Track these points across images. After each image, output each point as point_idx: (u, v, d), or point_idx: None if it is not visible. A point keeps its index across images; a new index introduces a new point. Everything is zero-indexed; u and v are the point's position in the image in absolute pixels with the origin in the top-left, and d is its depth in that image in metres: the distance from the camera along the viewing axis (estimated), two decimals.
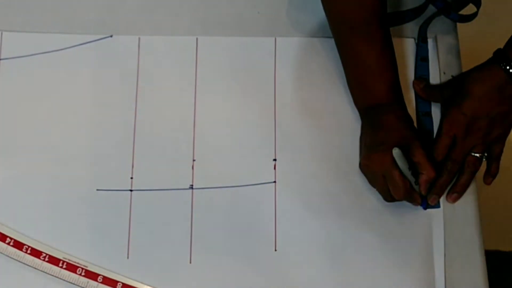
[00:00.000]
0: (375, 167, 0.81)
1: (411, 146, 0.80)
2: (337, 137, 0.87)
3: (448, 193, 0.85)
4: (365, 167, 0.83)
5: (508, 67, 0.79)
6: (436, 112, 0.88)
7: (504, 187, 1.54)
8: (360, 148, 0.86)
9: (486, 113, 0.81)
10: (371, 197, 0.84)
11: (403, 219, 0.84)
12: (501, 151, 0.84)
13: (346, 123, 0.88)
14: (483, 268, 0.83)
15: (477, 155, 0.83)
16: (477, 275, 0.82)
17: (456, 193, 0.84)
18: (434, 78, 0.90)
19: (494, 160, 0.85)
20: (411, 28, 0.92)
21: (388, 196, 0.82)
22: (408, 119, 0.84)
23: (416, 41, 0.91)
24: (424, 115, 0.88)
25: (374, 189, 0.84)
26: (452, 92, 0.84)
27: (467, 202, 0.85)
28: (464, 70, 0.90)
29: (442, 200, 0.84)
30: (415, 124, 0.86)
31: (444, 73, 0.90)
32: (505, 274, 1.38)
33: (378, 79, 0.84)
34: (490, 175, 0.86)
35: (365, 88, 0.85)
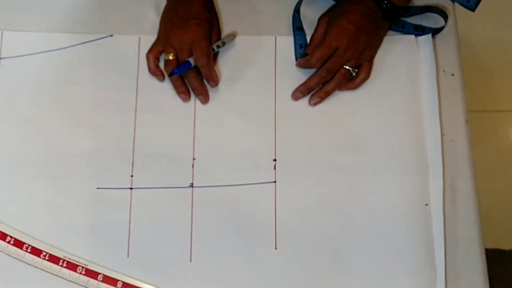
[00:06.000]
0: (189, 36, 0.85)
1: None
2: (338, 137, 0.87)
3: (311, 97, 0.89)
4: (177, 37, 0.86)
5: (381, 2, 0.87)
6: None
7: (504, 186, 1.55)
8: (167, 21, 0.89)
9: (366, 30, 0.87)
10: (371, 197, 0.85)
11: (404, 218, 0.84)
12: (370, 70, 0.89)
13: (347, 122, 0.88)
14: (483, 266, 0.83)
15: (350, 68, 0.87)
16: (477, 273, 0.82)
17: (319, 98, 0.88)
18: (434, 76, 0.90)
19: (361, 75, 0.89)
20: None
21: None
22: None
23: (292, 13, 0.92)
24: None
25: (374, 189, 0.84)
26: (332, 15, 0.88)
27: (468, 201, 0.85)
28: (464, 69, 0.90)
29: (440, 201, 0.84)
30: None
31: (444, 71, 0.90)
32: (505, 272, 1.39)
33: None
34: (353, 86, 0.89)
35: None
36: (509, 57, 1.57)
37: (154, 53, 0.89)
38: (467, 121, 0.89)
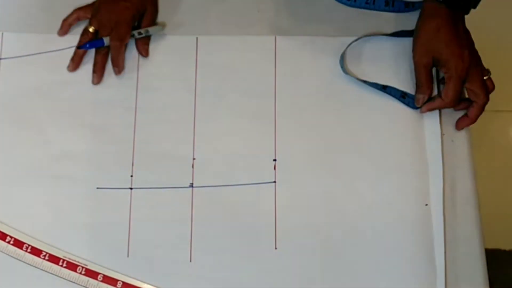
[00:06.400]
0: (114, 17, 0.88)
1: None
2: (337, 136, 0.87)
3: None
4: (105, 13, 0.89)
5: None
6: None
7: (504, 186, 1.55)
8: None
9: (466, 39, 0.86)
10: (371, 197, 0.84)
11: (404, 218, 0.84)
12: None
13: (347, 122, 0.88)
14: (483, 267, 0.83)
15: (488, 75, 0.87)
16: (477, 273, 0.82)
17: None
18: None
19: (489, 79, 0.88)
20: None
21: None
22: None
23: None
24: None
25: (374, 189, 0.84)
26: (430, 49, 0.86)
27: (468, 201, 0.85)
28: None
29: (440, 201, 0.84)
30: None
31: None
32: (505, 272, 1.39)
33: None
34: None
35: None
36: (509, 57, 1.58)
37: (80, 14, 0.91)
38: None
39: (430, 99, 0.87)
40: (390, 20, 0.93)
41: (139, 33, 0.89)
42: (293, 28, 0.92)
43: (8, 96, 0.88)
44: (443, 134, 0.88)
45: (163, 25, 0.92)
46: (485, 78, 0.87)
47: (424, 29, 0.86)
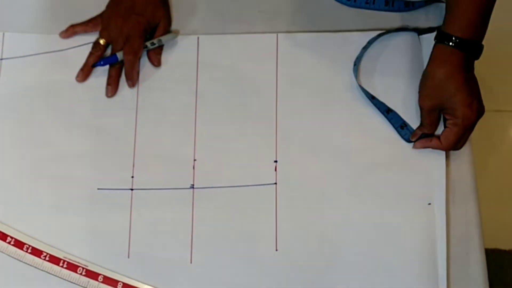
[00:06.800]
0: (126, 30, 0.87)
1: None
2: (338, 137, 0.87)
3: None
4: (116, 26, 0.88)
5: (451, 43, 0.81)
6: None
7: (504, 186, 1.55)
8: (114, 5, 0.90)
9: (476, 90, 0.83)
10: (374, 196, 0.84)
11: (405, 218, 0.84)
12: None
13: (348, 122, 0.88)
14: (483, 266, 0.83)
15: None
16: (477, 273, 0.82)
17: None
18: None
19: None
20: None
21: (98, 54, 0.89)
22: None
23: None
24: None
25: (377, 188, 0.84)
26: (439, 95, 0.83)
27: (468, 201, 0.85)
28: None
29: (443, 200, 0.84)
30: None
31: None
32: (505, 272, 1.39)
33: None
34: None
35: None
36: (509, 57, 1.57)
37: (88, 29, 0.90)
38: None
39: (427, 135, 0.86)
40: (390, 20, 0.92)
41: (152, 44, 0.89)
42: (293, 29, 0.91)
43: (9, 96, 0.88)
44: None
45: (176, 33, 0.91)
46: None
47: (433, 76, 0.83)
